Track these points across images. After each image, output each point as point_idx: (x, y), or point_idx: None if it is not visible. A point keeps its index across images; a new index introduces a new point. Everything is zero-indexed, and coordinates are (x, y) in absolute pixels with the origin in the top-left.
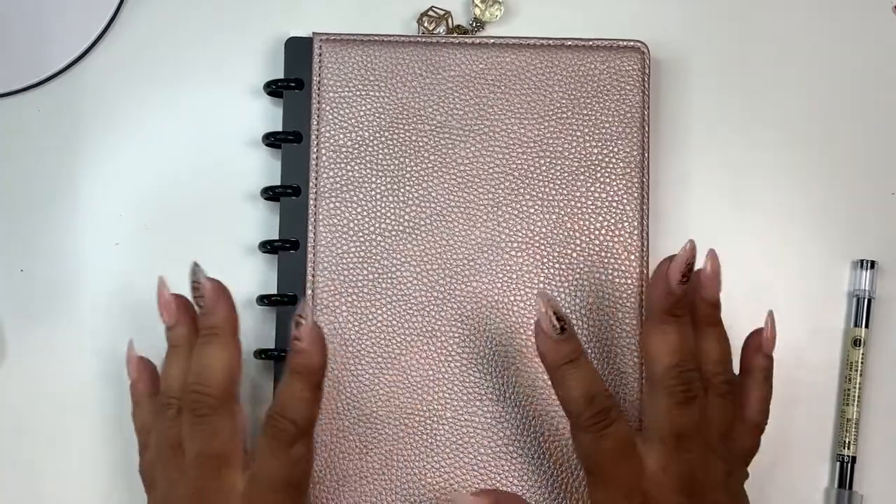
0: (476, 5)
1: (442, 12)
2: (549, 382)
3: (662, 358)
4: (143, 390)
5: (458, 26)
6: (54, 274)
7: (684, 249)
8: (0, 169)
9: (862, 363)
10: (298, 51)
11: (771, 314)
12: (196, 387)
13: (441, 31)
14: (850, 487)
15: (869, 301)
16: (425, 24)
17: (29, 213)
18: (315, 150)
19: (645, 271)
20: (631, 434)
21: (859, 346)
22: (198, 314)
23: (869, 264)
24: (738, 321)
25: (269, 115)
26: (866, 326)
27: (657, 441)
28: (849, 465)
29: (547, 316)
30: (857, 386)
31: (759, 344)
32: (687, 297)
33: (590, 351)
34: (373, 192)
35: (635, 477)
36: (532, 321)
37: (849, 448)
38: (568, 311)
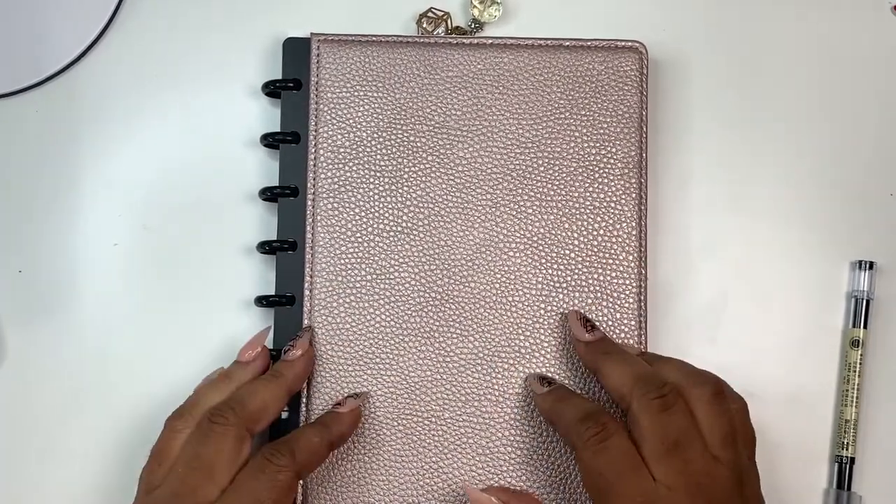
0: (474, 6)
1: (441, 13)
2: None
3: (622, 382)
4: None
5: (457, 27)
6: (53, 274)
7: (569, 316)
8: None
9: (860, 364)
10: (296, 51)
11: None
12: (229, 401)
13: (440, 32)
14: (849, 488)
15: (867, 302)
16: (424, 25)
17: (28, 214)
18: (313, 150)
19: (643, 271)
20: (633, 447)
21: (858, 346)
22: (281, 357)
23: (868, 265)
24: (738, 321)
25: (268, 116)
26: (865, 327)
27: (656, 459)
28: (847, 465)
29: (535, 381)
30: (856, 387)
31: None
32: (602, 337)
33: None
34: (371, 193)
35: (646, 493)
36: (532, 320)
37: (847, 449)
38: (564, 311)
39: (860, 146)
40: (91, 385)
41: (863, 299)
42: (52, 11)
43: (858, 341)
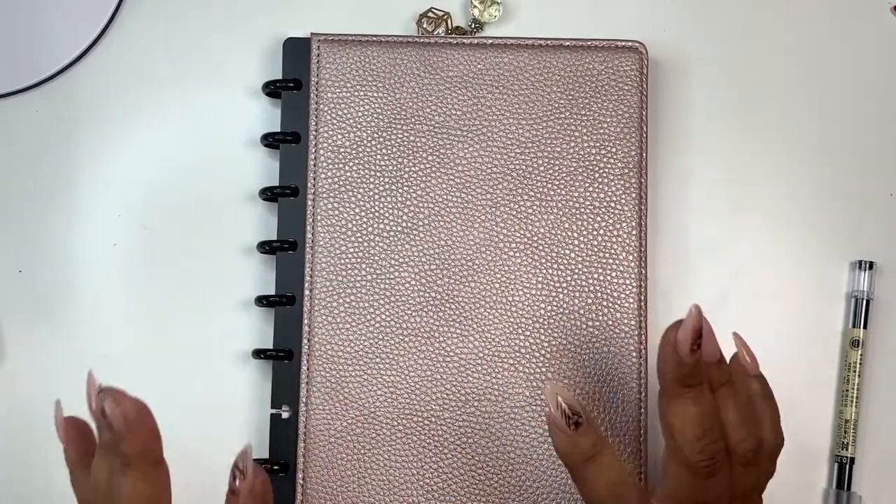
0: (474, 6)
1: (441, 13)
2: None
3: (684, 433)
4: (75, 456)
5: (458, 27)
6: (53, 274)
7: (690, 316)
8: None
9: (860, 364)
10: (297, 51)
11: (737, 335)
12: None
13: (440, 32)
14: (849, 488)
15: (867, 302)
16: (424, 26)
17: (28, 214)
18: (313, 150)
19: (643, 271)
20: None
21: (858, 347)
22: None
23: (867, 265)
24: (738, 322)
25: (268, 116)
26: (865, 327)
27: None
28: (847, 466)
29: (560, 412)
30: (856, 387)
31: (744, 369)
32: (698, 366)
33: (587, 354)
34: (371, 193)
35: None
36: (532, 320)
37: (847, 449)
38: (564, 311)
39: (860, 146)
40: None
41: (862, 299)
42: (51, 11)
43: (858, 341)
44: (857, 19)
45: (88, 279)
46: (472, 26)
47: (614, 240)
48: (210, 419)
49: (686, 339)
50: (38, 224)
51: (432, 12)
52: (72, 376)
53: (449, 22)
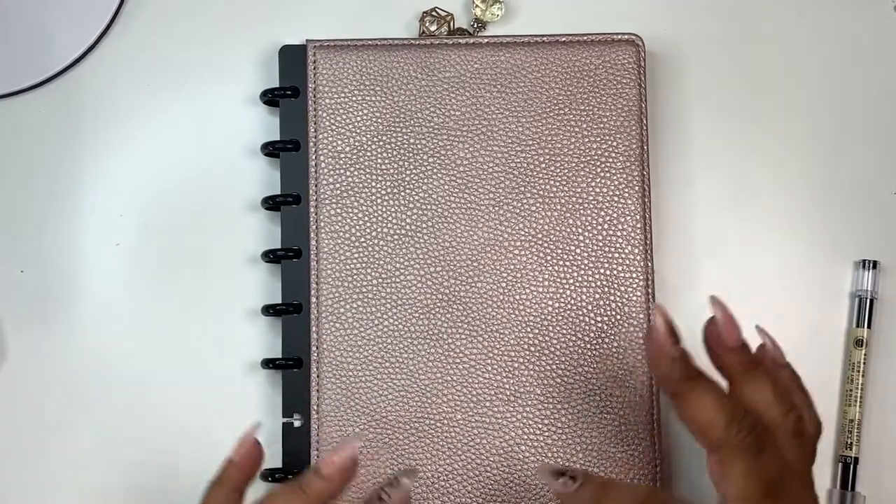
0: (476, 5)
1: (445, 13)
2: (558, 381)
3: (712, 423)
4: (235, 475)
5: (459, 28)
6: (55, 274)
7: (655, 314)
8: (0, 169)
9: (864, 364)
10: (293, 58)
11: (760, 328)
12: None
13: (443, 31)
14: (853, 488)
15: (871, 301)
16: (427, 24)
17: (29, 214)
18: (313, 157)
19: (649, 265)
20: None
21: (861, 346)
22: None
23: (871, 264)
24: (741, 321)
25: (267, 125)
26: (868, 327)
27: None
28: (851, 466)
29: (551, 477)
30: (860, 387)
31: (773, 359)
32: (688, 356)
33: (595, 348)
34: (373, 197)
35: None
36: (540, 318)
37: (851, 449)
38: (572, 307)
39: (863, 144)
40: (92, 386)
41: (866, 299)
42: (52, 12)
43: (862, 341)
44: (857, 17)
45: (91, 279)
46: (475, 26)
47: (619, 234)
48: (221, 429)
49: (664, 337)
50: (40, 224)
51: (436, 11)
52: (73, 376)
53: (452, 23)
